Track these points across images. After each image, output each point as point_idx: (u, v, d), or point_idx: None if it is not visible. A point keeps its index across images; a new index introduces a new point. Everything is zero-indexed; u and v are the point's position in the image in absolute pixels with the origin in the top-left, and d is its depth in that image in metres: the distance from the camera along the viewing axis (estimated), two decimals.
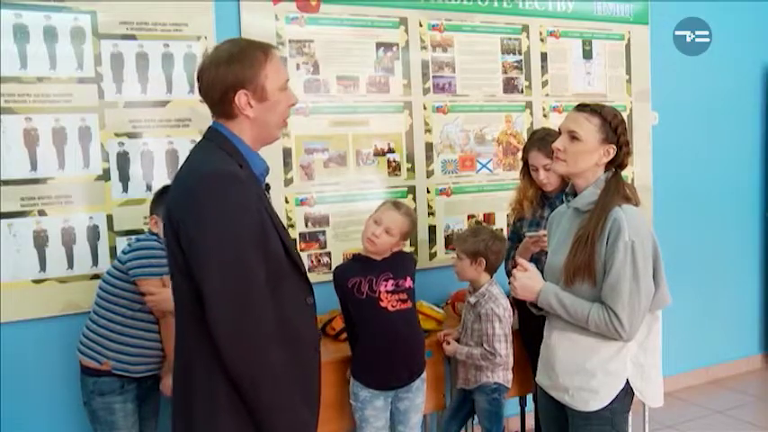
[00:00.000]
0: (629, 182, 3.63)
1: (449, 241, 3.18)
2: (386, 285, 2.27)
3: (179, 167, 1.56)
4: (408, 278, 2.33)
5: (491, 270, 2.45)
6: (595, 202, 1.83)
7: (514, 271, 1.93)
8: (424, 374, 2.38)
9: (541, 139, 2.47)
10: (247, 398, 1.41)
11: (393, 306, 2.26)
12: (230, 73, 1.47)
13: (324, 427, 2.33)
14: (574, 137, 1.84)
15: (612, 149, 1.85)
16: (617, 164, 1.88)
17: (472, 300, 2.44)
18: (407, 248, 3.10)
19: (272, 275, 1.45)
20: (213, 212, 1.39)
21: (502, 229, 3.20)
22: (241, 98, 1.48)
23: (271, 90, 1.50)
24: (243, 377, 1.39)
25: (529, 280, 1.90)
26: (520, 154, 3.27)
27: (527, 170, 2.57)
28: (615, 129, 1.85)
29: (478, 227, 2.63)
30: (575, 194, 1.91)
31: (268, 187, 1.62)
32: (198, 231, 1.39)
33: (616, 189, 1.83)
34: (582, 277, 1.81)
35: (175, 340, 1.55)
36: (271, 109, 1.51)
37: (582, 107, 1.89)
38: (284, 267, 1.52)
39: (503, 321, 2.38)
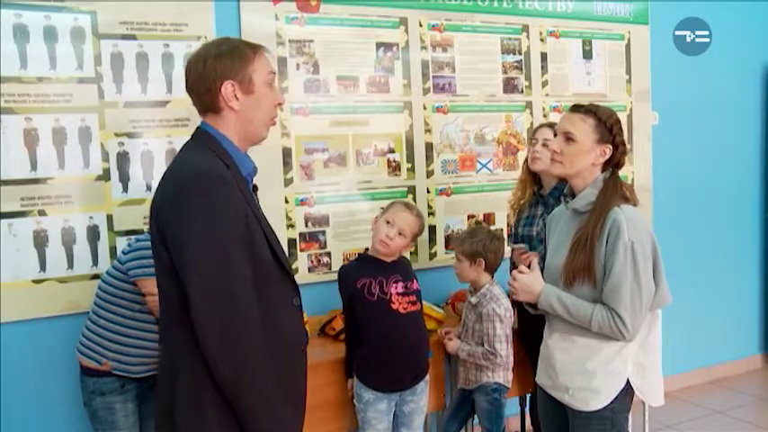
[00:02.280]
0: (629, 182, 3.66)
1: (449, 241, 3.18)
2: (396, 287, 2.26)
3: (167, 167, 1.55)
4: (415, 281, 2.34)
5: (491, 269, 2.45)
6: (594, 203, 1.83)
7: (514, 272, 1.93)
8: (427, 377, 2.38)
9: (552, 123, 2.57)
10: (232, 398, 1.40)
11: (405, 308, 2.27)
12: (219, 65, 1.48)
13: (324, 426, 2.35)
14: (569, 138, 1.84)
15: (609, 149, 1.85)
16: (614, 163, 1.88)
17: (474, 300, 2.44)
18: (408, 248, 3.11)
19: (260, 277, 1.44)
20: (199, 213, 1.38)
21: (502, 230, 3.20)
22: (227, 88, 1.48)
23: (258, 84, 1.51)
24: (227, 378, 1.38)
25: (529, 281, 1.90)
26: (520, 154, 3.29)
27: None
28: (610, 128, 1.85)
29: (475, 228, 2.64)
30: (573, 195, 1.91)
31: (256, 188, 1.60)
32: (184, 232, 1.38)
33: (614, 189, 1.83)
34: (582, 278, 1.81)
35: (160, 341, 1.53)
36: (256, 103, 1.52)
37: (576, 108, 1.89)
38: (271, 269, 1.51)
39: (504, 321, 2.38)
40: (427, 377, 2.38)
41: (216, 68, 1.48)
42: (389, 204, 2.35)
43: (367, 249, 2.48)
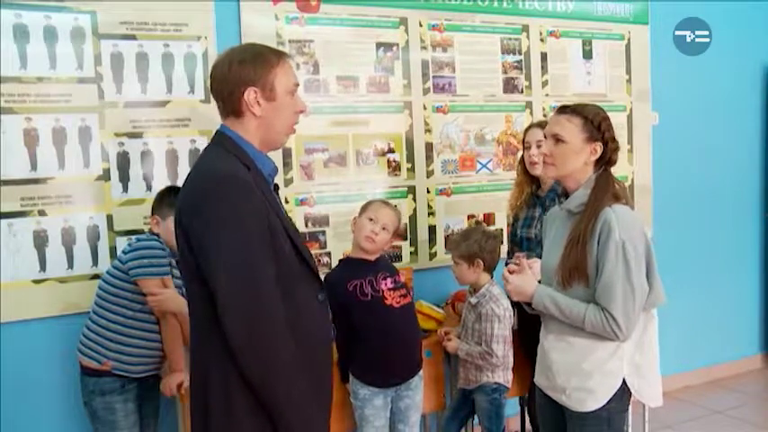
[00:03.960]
0: (629, 182, 3.66)
1: (449, 241, 3.18)
2: (386, 283, 2.28)
3: (188, 172, 1.58)
4: (400, 274, 2.37)
5: (489, 269, 2.46)
6: (586, 203, 1.83)
7: (506, 273, 1.93)
8: (422, 372, 2.39)
9: (541, 122, 2.59)
10: (260, 396, 1.42)
11: (397, 302, 2.28)
12: (242, 71, 1.51)
13: None
14: (558, 139, 1.84)
15: (599, 147, 1.85)
16: (606, 160, 1.88)
17: (473, 300, 2.44)
18: (408, 248, 3.11)
19: (283, 276, 1.46)
20: (221, 215, 1.40)
21: (501, 230, 3.20)
22: (250, 95, 1.51)
23: (279, 91, 1.53)
24: (255, 376, 1.40)
25: (522, 282, 1.91)
26: (519, 153, 3.29)
27: (524, 165, 2.60)
28: (598, 126, 1.84)
29: (469, 229, 2.65)
30: (566, 196, 1.91)
31: (276, 188, 1.63)
32: (207, 234, 1.41)
33: (605, 187, 1.83)
34: (576, 279, 1.81)
35: (191, 343, 1.56)
36: (278, 110, 1.54)
37: (562, 109, 1.89)
38: (295, 267, 1.53)
39: (502, 321, 2.39)
40: (421, 372, 2.39)
41: (239, 74, 1.50)
42: (366, 204, 2.37)
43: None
